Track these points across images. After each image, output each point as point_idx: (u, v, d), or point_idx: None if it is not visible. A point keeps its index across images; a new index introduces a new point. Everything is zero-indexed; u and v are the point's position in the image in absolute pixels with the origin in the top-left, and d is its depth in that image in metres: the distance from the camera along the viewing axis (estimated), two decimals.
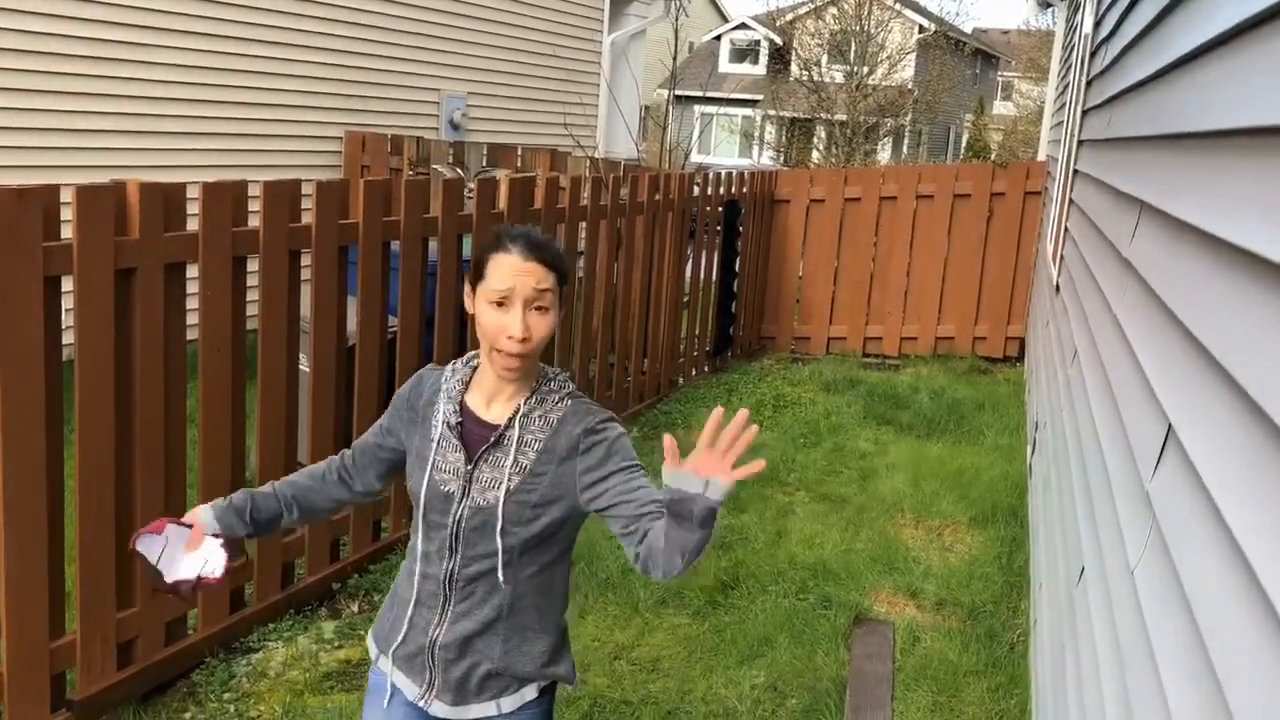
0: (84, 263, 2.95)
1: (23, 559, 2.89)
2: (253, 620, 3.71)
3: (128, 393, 3.17)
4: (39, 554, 2.93)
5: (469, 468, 1.89)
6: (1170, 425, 1.63)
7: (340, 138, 8.54)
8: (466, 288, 1.91)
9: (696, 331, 7.72)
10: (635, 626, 3.99)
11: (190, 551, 1.99)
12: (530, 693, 1.96)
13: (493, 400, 1.93)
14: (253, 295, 3.55)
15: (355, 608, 4.01)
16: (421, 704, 1.95)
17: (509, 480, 1.87)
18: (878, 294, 8.84)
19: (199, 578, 1.99)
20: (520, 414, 1.90)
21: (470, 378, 1.97)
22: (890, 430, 6.75)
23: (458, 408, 1.94)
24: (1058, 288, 5.02)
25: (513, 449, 1.89)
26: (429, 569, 1.93)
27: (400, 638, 1.97)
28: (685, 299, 7.52)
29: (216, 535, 2.02)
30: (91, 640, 3.14)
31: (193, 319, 3.39)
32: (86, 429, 3.04)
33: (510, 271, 1.81)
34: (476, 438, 1.91)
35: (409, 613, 1.96)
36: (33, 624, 2.95)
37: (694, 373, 7.76)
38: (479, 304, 1.86)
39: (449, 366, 2.01)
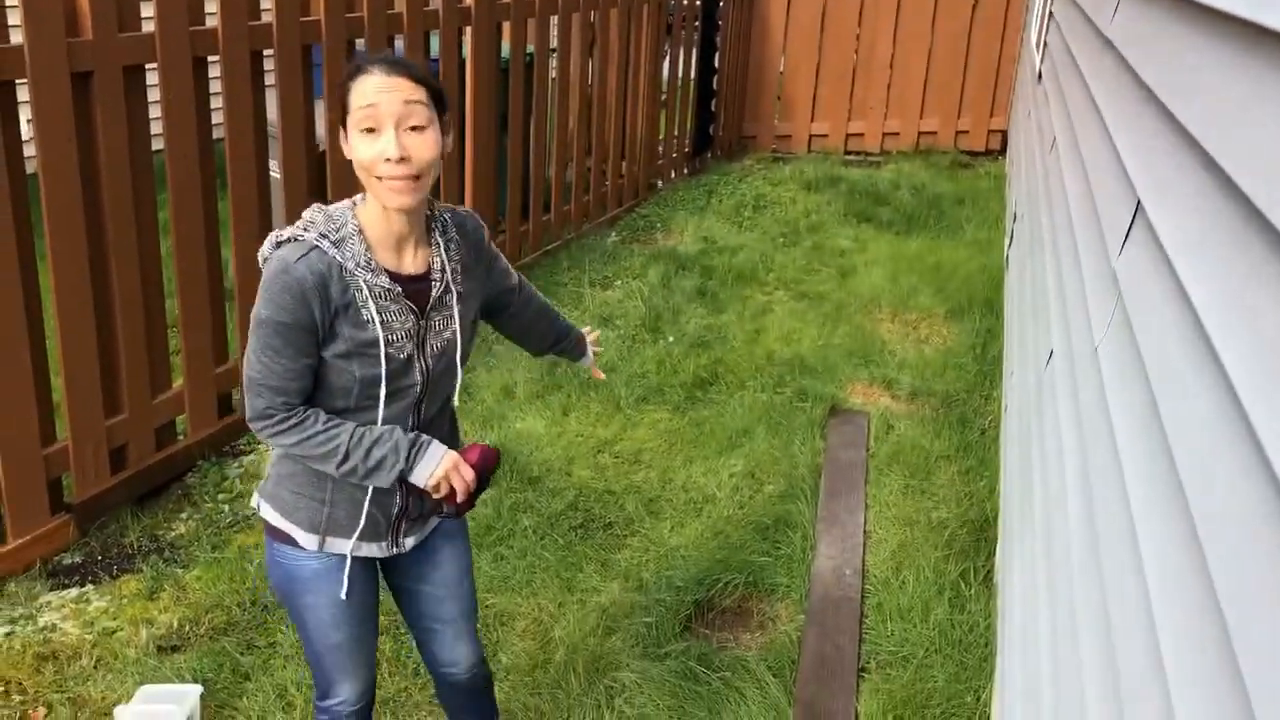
0: (37, 65, 2.85)
1: (6, 368, 2.92)
2: (241, 425, 3.77)
3: (96, 202, 3.12)
4: (21, 363, 2.95)
5: (421, 323, 1.78)
6: (1139, 201, 1.63)
7: None
8: (340, 131, 1.71)
9: (675, 132, 7.58)
10: (618, 422, 4.09)
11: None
12: None
13: (402, 249, 1.76)
14: (216, 104, 3.45)
15: None
16: (392, 553, 1.94)
17: (457, 314, 1.84)
18: (860, 89, 8.67)
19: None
20: (442, 250, 1.81)
21: (363, 242, 1.72)
22: (870, 227, 6.75)
23: (384, 274, 1.72)
24: (1040, 75, 4.92)
25: (455, 285, 1.83)
26: None
27: (359, 527, 1.86)
28: (663, 98, 7.36)
29: None
30: (83, 446, 3.20)
31: (157, 129, 3.31)
32: (58, 240, 3.00)
33: (372, 89, 1.62)
34: (417, 293, 1.77)
35: (366, 499, 1.85)
36: (24, 432, 3.00)
37: (673, 175, 7.67)
38: (351, 140, 1.67)
39: (324, 247, 1.67)
